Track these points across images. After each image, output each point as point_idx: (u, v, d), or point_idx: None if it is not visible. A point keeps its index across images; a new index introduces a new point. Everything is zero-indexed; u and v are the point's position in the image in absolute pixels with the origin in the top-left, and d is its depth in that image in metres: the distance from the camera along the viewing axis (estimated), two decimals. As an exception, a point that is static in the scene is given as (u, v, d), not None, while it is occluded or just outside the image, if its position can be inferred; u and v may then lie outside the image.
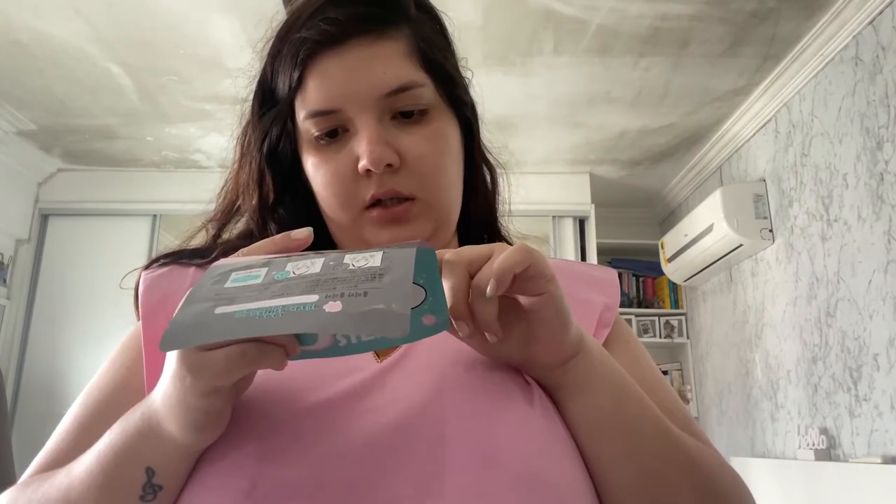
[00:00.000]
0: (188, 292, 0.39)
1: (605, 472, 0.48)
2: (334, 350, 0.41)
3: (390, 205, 0.57)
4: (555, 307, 0.45)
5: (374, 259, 0.40)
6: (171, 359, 0.40)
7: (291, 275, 0.39)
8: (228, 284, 0.39)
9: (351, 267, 0.39)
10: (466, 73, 0.65)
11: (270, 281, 0.39)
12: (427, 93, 0.57)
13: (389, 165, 0.55)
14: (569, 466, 0.46)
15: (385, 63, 0.55)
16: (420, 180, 0.57)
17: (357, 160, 0.55)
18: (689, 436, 0.52)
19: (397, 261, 0.40)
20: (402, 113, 0.56)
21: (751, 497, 0.53)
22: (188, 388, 0.39)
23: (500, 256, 0.43)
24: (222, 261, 0.43)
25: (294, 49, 0.56)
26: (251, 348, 0.37)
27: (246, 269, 0.41)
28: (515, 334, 0.47)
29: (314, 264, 0.40)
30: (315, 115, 0.56)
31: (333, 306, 0.35)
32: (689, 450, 0.50)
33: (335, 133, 0.56)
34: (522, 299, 0.46)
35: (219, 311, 0.37)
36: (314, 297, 0.36)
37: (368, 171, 0.55)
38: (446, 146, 0.59)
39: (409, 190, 0.56)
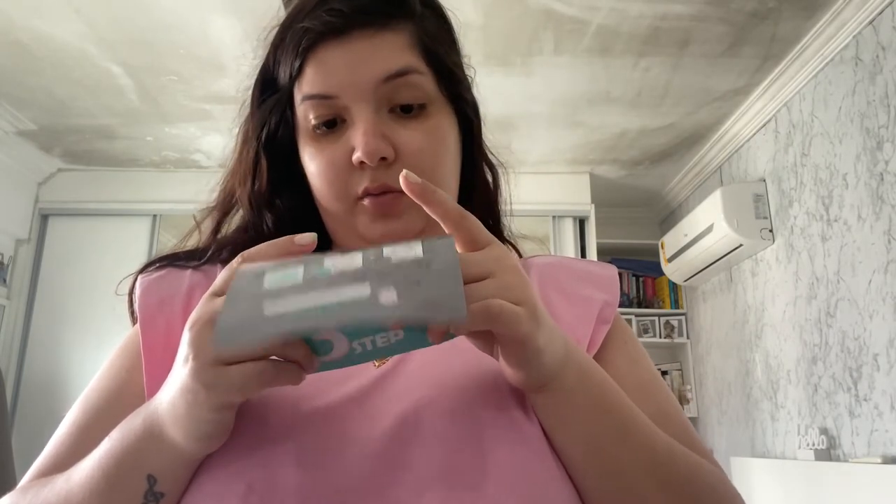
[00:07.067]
0: (227, 292, 0.37)
1: (582, 481, 0.47)
2: (349, 359, 0.40)
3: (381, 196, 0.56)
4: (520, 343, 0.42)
5: (415, 250, 0.38)
6: (182, 372, 0.40)
7: (332, 271, 0.37)
8: (267, 286, 0.37)
9: (393, 260, 0.38)
10: (469, 72, 0.65)
11: (313, 278, 0.37)
12: (426, 83, 0.57)
13: (384, 159, 0.54)
14: (560, 474, 0.46)
15: (385, 53, 0.55)
16: None
17: (352, 151, 0.54)
18: (682, 452, 0.50)
19: (439, 249, 0.38)
20: (401, 107, 0.56)
21: None
22: (201, 402, 0.39)
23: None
24: (245, 266, 0.40)
25: (296, 38, 0.56)
26: (268, 365, 0.37)
27: (280, 268, 0.38)
28: (492, 349, 0.45)
29: (353, 259, 0.38)
30: (311, 97, 0.55)
31: (388, 297, 0.34)
32: (680, 472, 0.48)
33: (333, 123, 0.56)
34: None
35: (269, 310, 0.35)
36: (366, 289, 0.35)
37: (362, 163, 0.54)
38: (443, 142, 0.58)
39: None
